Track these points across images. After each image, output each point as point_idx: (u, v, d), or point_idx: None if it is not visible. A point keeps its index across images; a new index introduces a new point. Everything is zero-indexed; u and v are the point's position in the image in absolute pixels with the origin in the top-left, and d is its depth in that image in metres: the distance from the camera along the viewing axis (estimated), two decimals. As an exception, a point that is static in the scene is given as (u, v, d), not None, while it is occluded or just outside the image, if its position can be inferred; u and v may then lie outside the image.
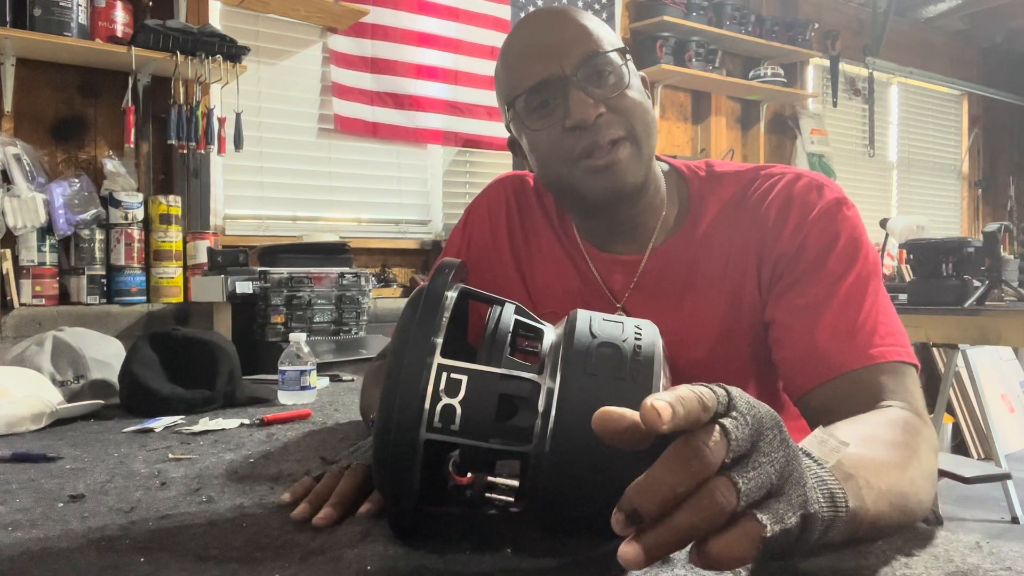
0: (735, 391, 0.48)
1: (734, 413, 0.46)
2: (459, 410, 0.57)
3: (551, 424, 0.57)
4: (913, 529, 0.64)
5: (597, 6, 4.10)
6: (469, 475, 0.61)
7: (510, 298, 0.68)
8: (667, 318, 0.85)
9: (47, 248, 2.60)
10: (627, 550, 0.43)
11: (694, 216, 0.98)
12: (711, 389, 0.46)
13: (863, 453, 0.61)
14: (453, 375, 0.57)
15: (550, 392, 0.57)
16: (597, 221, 1.00)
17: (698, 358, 0.94)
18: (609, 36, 0.94)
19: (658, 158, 1.02)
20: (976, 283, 2.56)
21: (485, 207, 1.14)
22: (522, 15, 4.12)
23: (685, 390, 0.45)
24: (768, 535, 0.44)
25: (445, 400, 0.57)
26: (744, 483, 0.44)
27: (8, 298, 2.52)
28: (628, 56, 0.93)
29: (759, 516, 0.44)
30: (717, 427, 0.45)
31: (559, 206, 1.07)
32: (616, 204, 0.95)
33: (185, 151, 2.81)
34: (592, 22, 0.94)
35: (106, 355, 1.41)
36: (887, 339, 0.84)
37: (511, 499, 0.61)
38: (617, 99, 0.90)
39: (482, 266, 1.09)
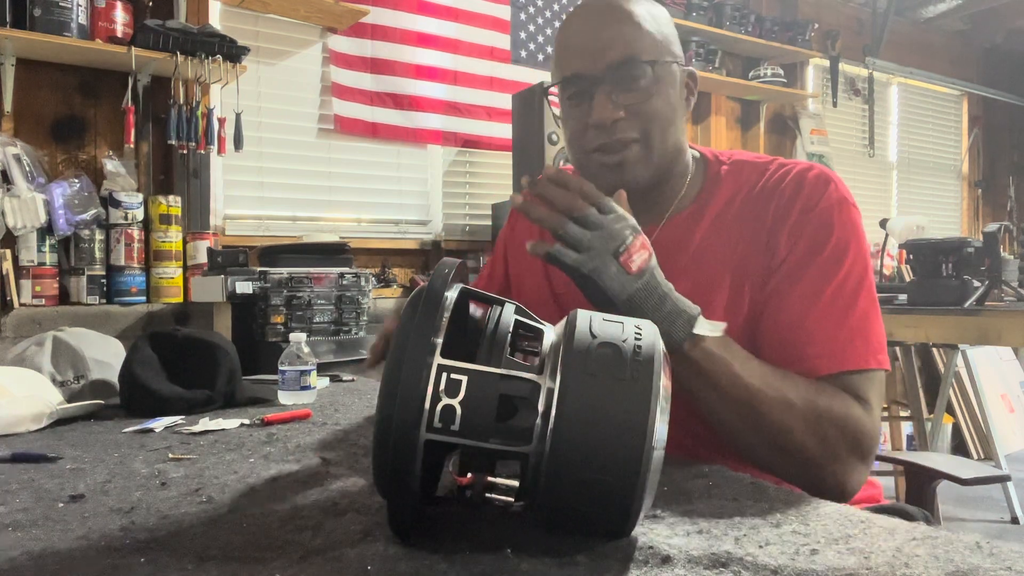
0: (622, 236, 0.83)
1: (610, 216, 0.84)
2: (459, 410, 0.57)
3: (551, 424, 0.57)
4: (909, 526, 0.64)
5: (597, 6, 4.10)
6: (469, 475, 0.61)
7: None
8: (677, 284, 0.93)
9: (47, 248, 2.60)
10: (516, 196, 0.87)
11: (709, 194, 1.04)
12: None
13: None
14: (453, 375, 0.57)
15: (550, 392, 0.57)
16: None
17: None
18: (654, 38, 0.99)
19: (691, 146, 1.09)
20: (976, 283, 2.56)
21: (513, 218, 1.28)
22: (522, 16, 4.06)
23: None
24: (551, 251, 0.82)
25: (445, 400, 0.57)
26: (570, 226, 0.82)
27: (8, 298, 2.52)
28: (664, 64, 0.99)
29: (557, 246, 0.82)
30: (587, 207, 0.83)
31: None
32: (628, 194, 1.01)
33: (185, 151, 2.81)
34: (644, 16, 0.99)
35: (106, 355, 1.41)
36: (865, 346, 0.90)
37: (511, 499, 0.61)
38: (640, 105, 0.97)
39: (520, 281, 1.20)
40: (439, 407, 0.57)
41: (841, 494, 0.86)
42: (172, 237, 2.80)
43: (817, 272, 0.92)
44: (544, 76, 3.69)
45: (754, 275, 0.97)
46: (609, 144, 0.97)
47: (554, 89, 1.05)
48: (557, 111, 1.07)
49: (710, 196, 1.03)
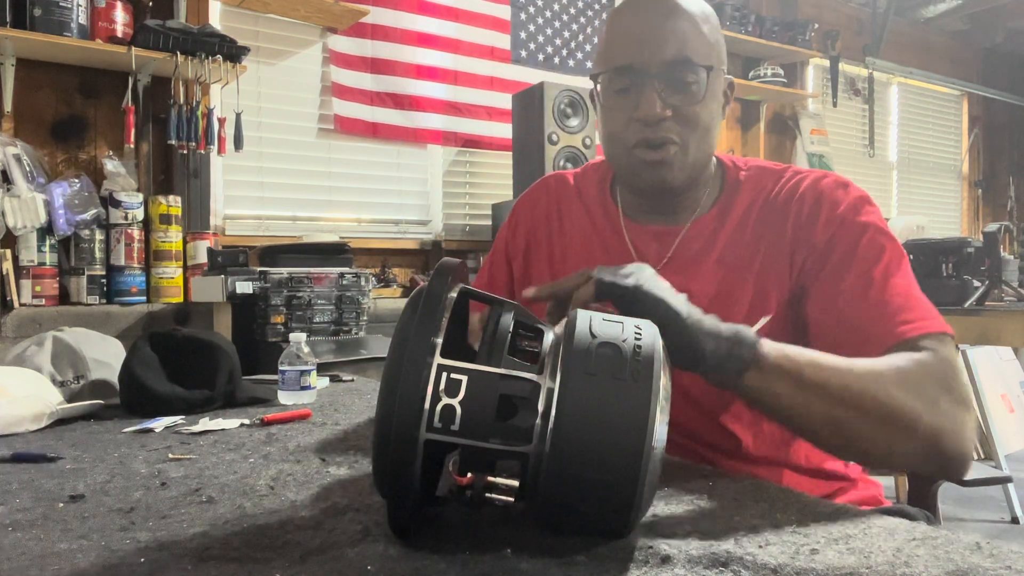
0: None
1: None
2: (459, 410, 0.57)
3: (551, 424, 0.57)
4: (909, 526, 0.64)
5: (597, 6, 4.10)
6: (469, 475, 0.61)
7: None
8: (703, 282, 0.97)
9: (47, 248, 2.60)
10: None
11: (729, 199, 1.05)
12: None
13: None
14: (453, 375, 0.57)
15: (550, 392, 0.57)
16: (642, 200, 1.08)
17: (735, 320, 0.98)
18: (709, 43, 0.98)
19: None
20: (976, 283, 2.56)
21: (529, 201, 1.22)
22: (522, 15, 4.06)
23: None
24: (600, 275, 0.75)
25: (445, 400, 0.57)
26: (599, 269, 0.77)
27: (8, 298, 2.52)
28: (714, 71, 0.98)
29: (605, 269, 0.77)
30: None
31: (606, 187, 1.15)
32: (660, 194, 1.03)
33: (185, 151, 2.81)
34: (701, 17, 0.98)
35: (106, 355, 1.41)
36: (927, 314, 0.89)
37: (511, 499, 0.61)
38: (686, 109, 0.97)
39: (528, 252, 1.18)
40: (439, 407, 0.57)
41: (960, 442, 0.80)
42: (172, 237, 2.80)
43: (861, 264, 0.93)
44: (544, 76, 3.69)
45: (779, 282, 0.98)
46: (651, 139, 0.97)
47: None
48: (594, 101, 1.05)
49: (731, 201, 1.04)
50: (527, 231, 1.19)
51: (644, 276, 0.74)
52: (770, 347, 0.76)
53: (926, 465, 0.81)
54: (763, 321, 0.84)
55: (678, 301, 0.74)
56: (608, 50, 1.01)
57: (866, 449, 0.80)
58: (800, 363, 0.78)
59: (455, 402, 0.57)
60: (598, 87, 1.03)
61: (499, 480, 0.60)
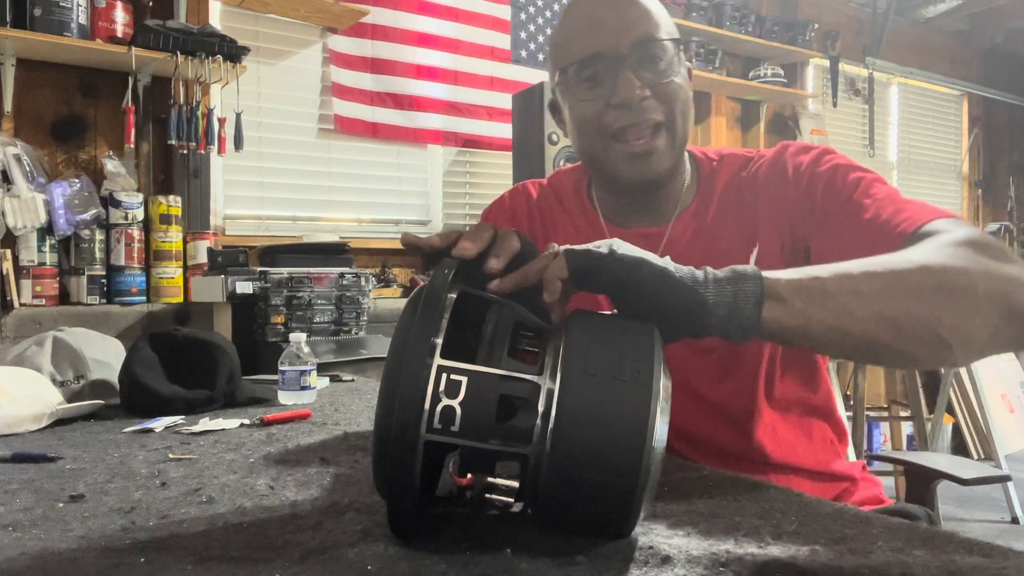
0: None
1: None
2: (459, 411, 0.57)
3: (551, 425, 0.57)
4: (909, 525, 0.64)
5: (597, 6, 4.10)
6: (469, 476, 0.61)
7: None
8: None
9: (47, 248, 2.60)
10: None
11: (707, 191, 1.05)
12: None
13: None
14: (453, 376, 0.57)
15: (550, 393, 0.57)
16: (623, 200, 1.06)
17: None
18: (667, 22, 0.99)
19: None
20: (976, 283, 2.55)
21: (509, 209, 1.17)
22: (522, 15, 4.04)
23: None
24: (564, 250, 0.64)
25: (445, 401, 0.57)
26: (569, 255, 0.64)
27: (8, 298, 2.51)
28: (681, 46, 0.99)
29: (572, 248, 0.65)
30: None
31: (582, 191, 1.12)
32: (645, 188, 1.01)
33: (185, 151, 2.81)
34: (654, 5, 0.99)
35: (106, 355, 1.41)
36: (926, 208, 0.85)
37: (511, 499, 0.61)
38: (663, 85, 0.96)
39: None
40: (439, 408, 0.56)
41: None
42: (172, 237, 2.80)
43: (843, 195, 0.92)
44: (544, 76, 3.68)
45: (771, 251, 0.97)
46: (635, 127, 0.95)
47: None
48: (558, 98, 1.02)
49: (709, 191, 1.04)
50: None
51: (618, 243, 0.65)
52: (777, 273, 0.67)
53: (1009, 329, 0.69)
54: (755, 253, 0.82)
55: (661, 260, 0.65)
56: (570, 42, 0.98)
57: (935, 333, 0.67)
58: (819, 275, 0.68)
59: (455, 403, 0.57)
60: (566, 78, 0.99)
61: (499, 481, 0.60)
